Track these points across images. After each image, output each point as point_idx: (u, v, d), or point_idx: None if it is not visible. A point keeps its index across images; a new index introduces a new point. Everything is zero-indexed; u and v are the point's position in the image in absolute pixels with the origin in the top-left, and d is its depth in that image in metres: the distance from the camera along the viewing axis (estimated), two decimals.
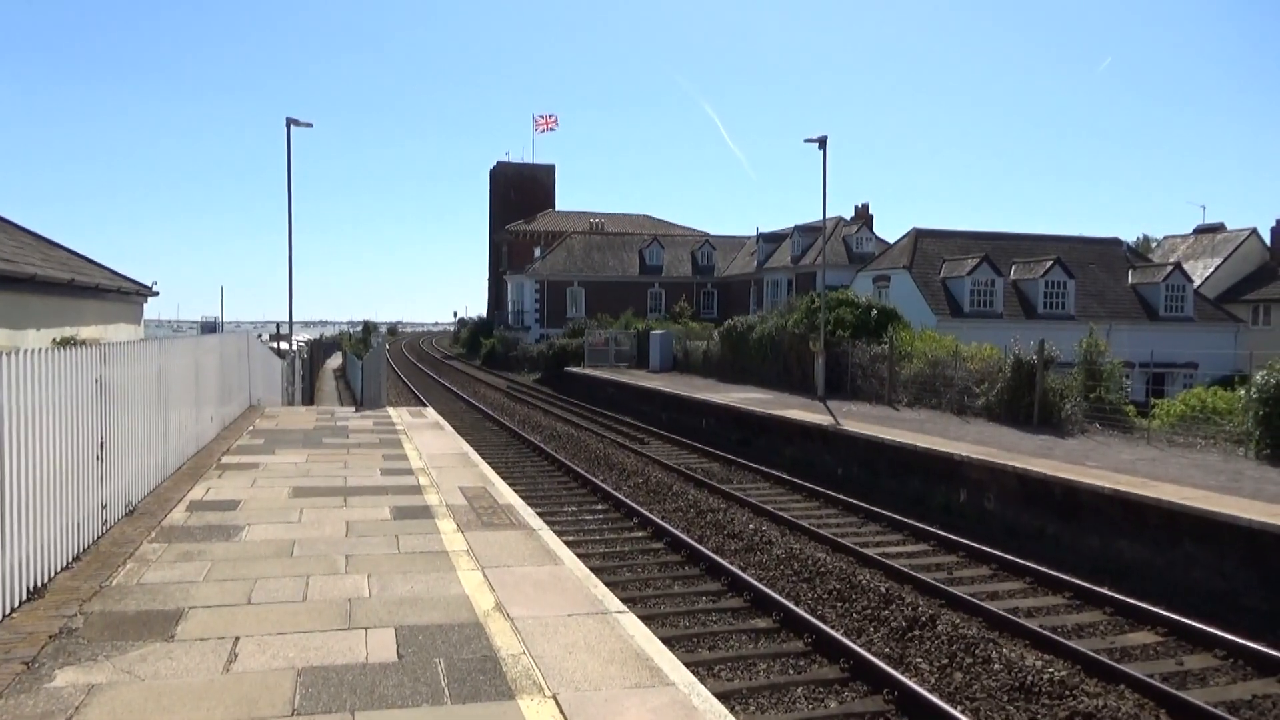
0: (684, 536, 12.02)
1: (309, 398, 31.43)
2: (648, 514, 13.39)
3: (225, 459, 12.27)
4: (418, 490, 10.49)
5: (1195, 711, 6.99)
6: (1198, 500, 11.22)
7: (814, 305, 27.04)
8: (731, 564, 10.84)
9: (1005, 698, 7.41)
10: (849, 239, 53.94)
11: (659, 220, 78.38)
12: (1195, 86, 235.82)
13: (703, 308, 61.25)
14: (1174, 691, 7.32)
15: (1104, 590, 10.05)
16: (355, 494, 10.16)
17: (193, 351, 12.41)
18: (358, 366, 26.75)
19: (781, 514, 13.68)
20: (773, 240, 59.31)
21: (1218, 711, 6.93)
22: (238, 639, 5.60)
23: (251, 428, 15.67)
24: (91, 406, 7.53)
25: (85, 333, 13.88)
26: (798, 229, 55.30)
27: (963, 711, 6.94)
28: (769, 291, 56.21)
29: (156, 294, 18.17)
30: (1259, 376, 14.96)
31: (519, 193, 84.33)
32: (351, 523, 8.74)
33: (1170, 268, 43.28)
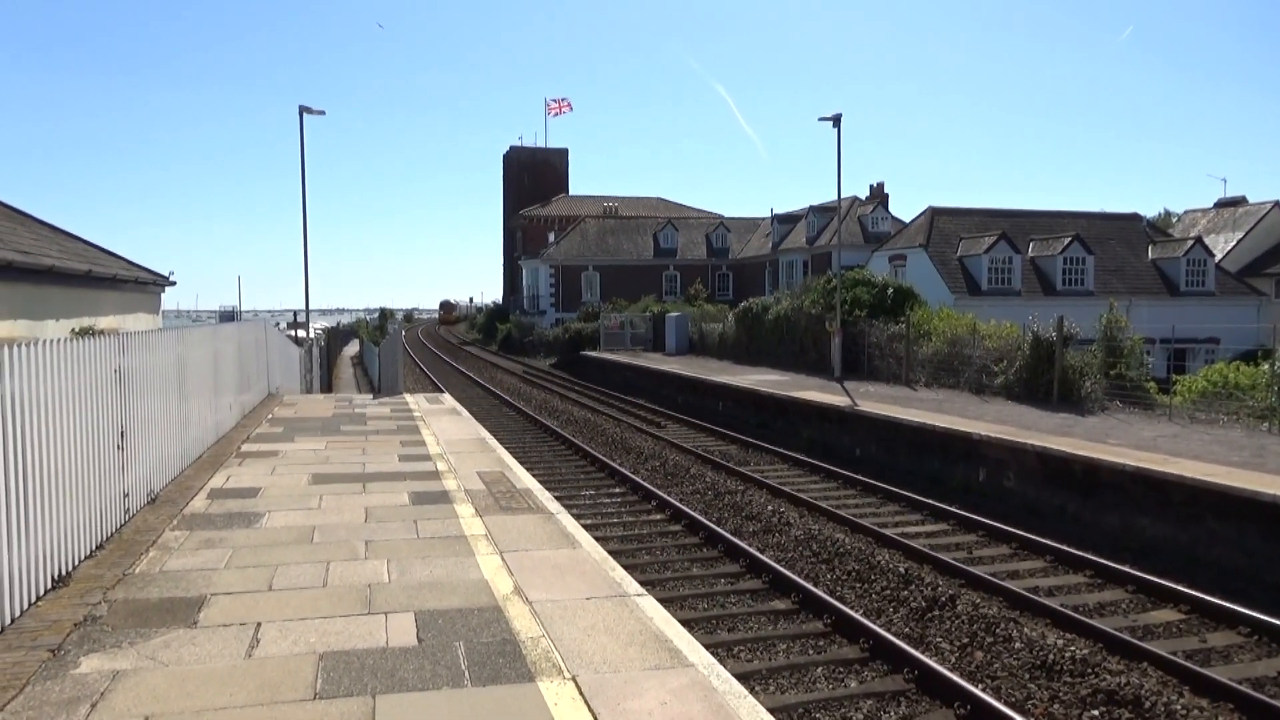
0: (702, 519, 12.02)
1: (327, 385, 31.60)
2: (665, 497, 13.40)
3: (245, 447, 12.35)
4: (436, 476, 10.52)
5: (1219, 688, 6.94)
6: (1220, 476, 11.11)
7: (830, 285, 26.90)
8: (750, 545, 10.84)
9: (1027, 676, 7.39)
10: (864, 218, 53.62)
11: (673, 203, 78.15)
12: (1216, 58, 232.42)
13: (718, 290, 61.13)
14: (1197, 669, 7.27)
15: (1125, 568, 9.99)
16: (374, 480, 10.20)
17: (211, 340, 12.47)
18: (375, 353, 26.86)
19: (799, 495, 13.67)
20: (787, 221, 59.03)
21: (1242, 688, 6.88)
22: (259, 625, 5.64)
23: (270, 416, 15.77)
24: (111, 396, 7.58)
25: (103, 323, 13.99)
26: (813, 209, 55.00)
27: (984, 690, 6.92)
28: (784, 272, 55.98)
29: (174, 284, 18.27)
30: None
31: (532, 177, 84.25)
32: (370, 509, 8.79)
33: (1191, 242, 42.75)
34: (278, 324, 29.80)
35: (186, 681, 4.83)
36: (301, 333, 30.73)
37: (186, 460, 10.61)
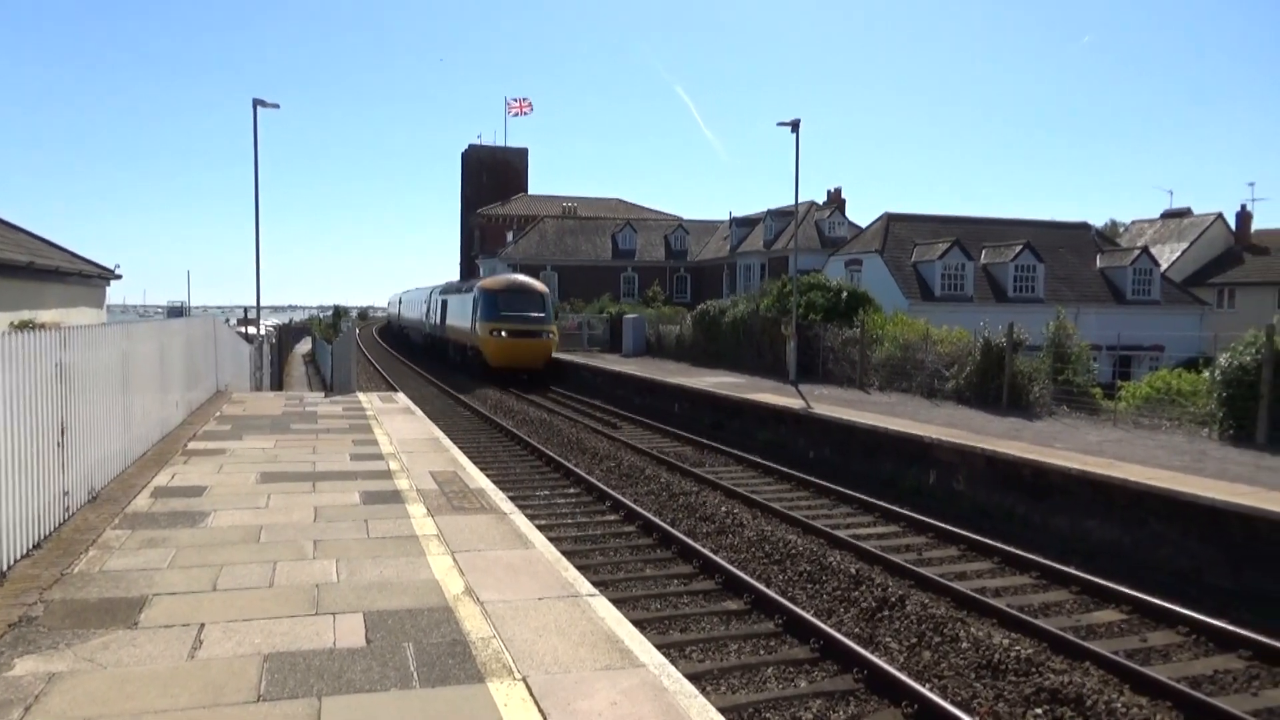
0: (656, 520, 12.02)
1: (278, 383, 31.11)
2: (620, 497, 13.38)
3: (191, 445, 12.11)
4: (388, 475, 10.41)
5: (1158, 687, 7.09)
6: (1163, 480, 11.37)
7: (786, 289, 27.10)
8: (703, 546, 10.86)
9: (973, 675, 7.49)
10: (821, 223, 54.14)
11: (632, 204, 78.33)
12: (1163, 74, 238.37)
13: (676, 292, 61.30)
14: (1137, 667, 7.42)
15: (1070, 570, 10.18)
16: (324, 479, 10.06)
17: (157, 336, 12.21)
18: (327, 351, 26.51)
19: (753, 497, 13.73)
20: (746, 224, 59.41)
21: (1179, 686, 7.05)
22: (203, 625, 5.53)
23: (219, 413, 15.48)
24: (51, 392, 7.38)
25: (45, 316, 13.63)
26: (770, 213, 55.41)
27: (931, 689, 7.01)
28: (742, 276, 56.33)
29: (119, 277, 17.89)
30: (1222, 359, 15.17)
31: (491, 176, 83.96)
32: (320, 508, 8.66)
33: (1138, 252, 43.84)
34: (228, 320, 29.31)
35: (126, 683, 4.72)
36: (252, 329, 30.23)
37: (130, 458, 10.38)
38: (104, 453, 9.12)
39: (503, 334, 32.24)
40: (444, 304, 42.18)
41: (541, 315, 33.19)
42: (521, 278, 36.01)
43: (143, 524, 7.91)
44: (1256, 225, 50.11)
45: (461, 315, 36.59)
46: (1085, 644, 7.94)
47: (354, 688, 4.74)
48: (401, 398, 19.81)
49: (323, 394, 20.74)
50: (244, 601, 5.99)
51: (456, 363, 38.80)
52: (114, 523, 7.90)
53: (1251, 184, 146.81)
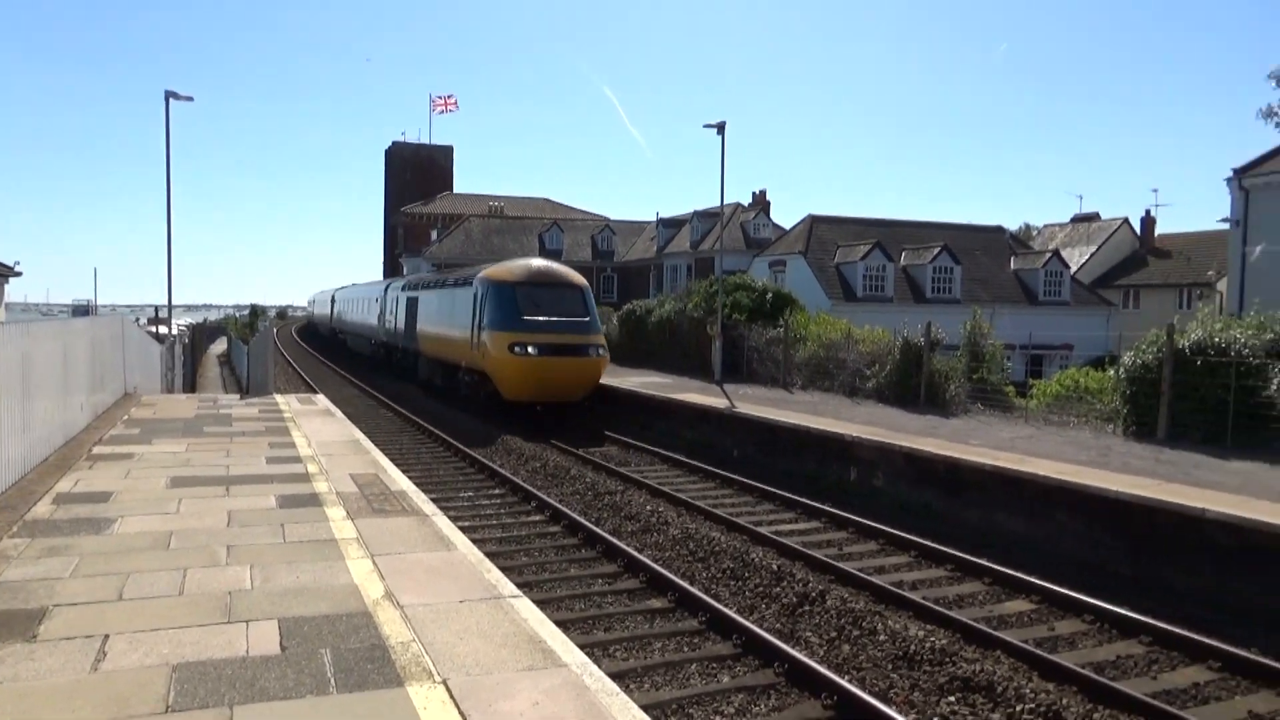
0: (581, 519, 12.01)
1: (191, 385, 30.15)
2: (545, 498, 13.33)
3: (97, 449, 11.65)
4: (306, 478, 10.17)
5: (1064, 673, 7.37)
6: (1070, 475, 11.81)
7: (712, 289, 27.33)
8: (628, 545, 10.89)
9: (890, 666, 7.67)
10: (747, 225, 54.74)
11: (559, 204, 78.05)
12: (1074, 84, 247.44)
13: (603, 292, 61.26)
14: (1045, 655, 7.70)
15: (983, 562, 10.49)
16: (239, 483, 9.78)
17: (60, 335, 11.72)
18: (243, 352, 25.78)
19: (678, 495, 13.82)
20: (672, 225, 59.72)
21: (1085, 672, 7.33)
22: (107, 636, 5.32)
23: (126, 416, 14.93)
24: None
25: None
26: (697, 214, 55.82)
27: (849, 681, 7.15)
28: (669, 276, 56.63)
29: (19, 274, 17.16)
30: (1126, 358, 15.81)
31: (416, 174, 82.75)
32: (234, 512, 8.42)
33: (1049, 255, 45.40)
34: (137, 320, 28.30)
35: (24, 699, 4.51)
36: (163, 329, 29.25)
37: (30, 464, 9.93)
38: (1, 458, 8.72)
39: (529, 349, 21.12)
40: (413, 303, 30.73)
41: (585, 320, 22.31)
42: (548, 264, 24.54)
43: (43, 532, 7.58)
44: (1160, 230, 52.41)
45: (450, 320, 25.59)
46: (996, 634, 8.20)
47: (268, 695, 4.62)
48: (321, 399, 19.38)
49: (238, 396, 20.16)
50: (152, 610, 5.78)
51: (441, 389, 27.60)
52: (11, 531, 7.55)
53: (1155, 190, 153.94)
